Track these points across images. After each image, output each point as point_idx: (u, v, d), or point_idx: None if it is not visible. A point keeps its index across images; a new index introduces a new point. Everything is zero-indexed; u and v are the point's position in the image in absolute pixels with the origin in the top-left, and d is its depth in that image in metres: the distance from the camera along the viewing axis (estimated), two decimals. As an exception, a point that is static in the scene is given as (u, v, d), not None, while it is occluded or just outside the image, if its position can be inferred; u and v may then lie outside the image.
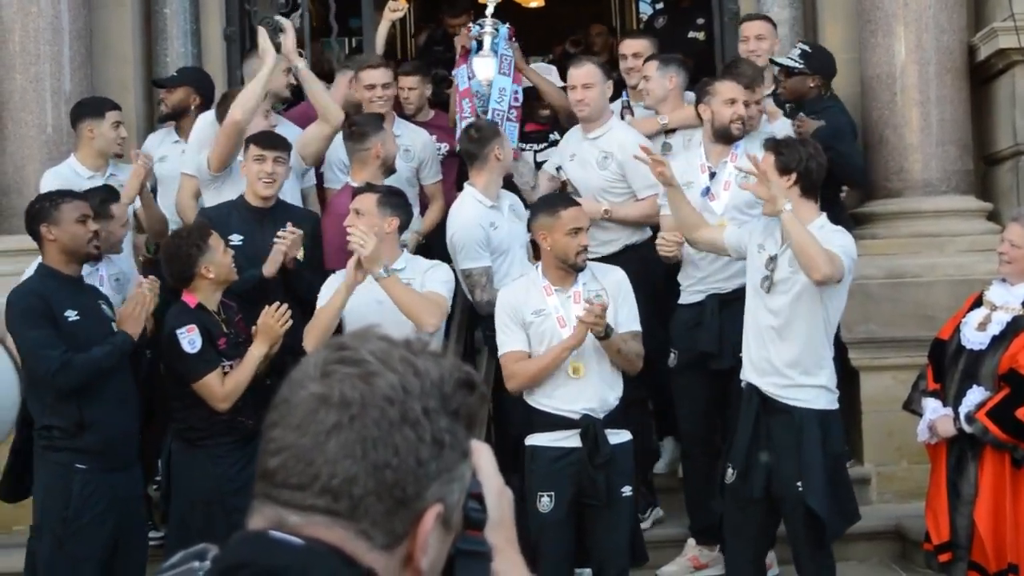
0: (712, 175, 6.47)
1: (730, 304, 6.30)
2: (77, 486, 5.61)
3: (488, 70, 7.47)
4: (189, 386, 5.80)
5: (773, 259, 5.75)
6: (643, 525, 6.79)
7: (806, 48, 7.41)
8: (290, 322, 5.84)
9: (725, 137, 6.44)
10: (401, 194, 6.23)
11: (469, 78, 7.51)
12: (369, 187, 6.20)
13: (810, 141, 5.97)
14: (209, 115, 6.96)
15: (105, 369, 5.65)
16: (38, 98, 7.74)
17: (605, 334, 5.68)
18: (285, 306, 5.86)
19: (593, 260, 6.60)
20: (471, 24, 7.72)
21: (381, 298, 5.90)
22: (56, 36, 7.79)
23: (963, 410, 5.70)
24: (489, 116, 7.43)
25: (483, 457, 1.65)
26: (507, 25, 7.63)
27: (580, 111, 6.99)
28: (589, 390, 5.82)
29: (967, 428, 5.67)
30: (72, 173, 6.76)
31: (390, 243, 5.99)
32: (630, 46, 7.63)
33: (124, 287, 6.41)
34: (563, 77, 7.49)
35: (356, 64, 7.58)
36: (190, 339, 5.74)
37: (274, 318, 5.81)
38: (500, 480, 1.68)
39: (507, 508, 1.69)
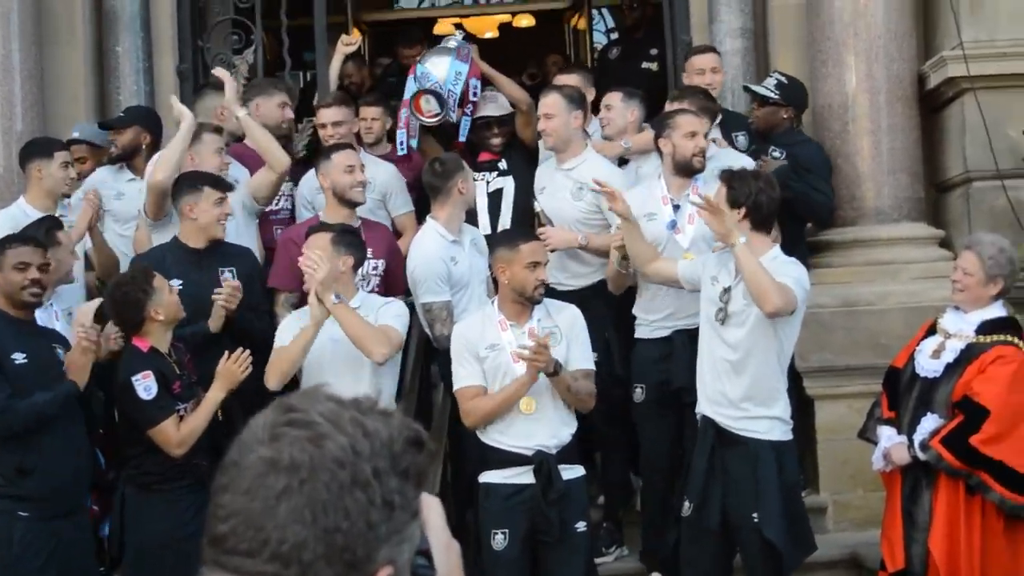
0: (676, 207, 6.49)
1: (697, 339, 6.34)
2: (19, 533, 5.55)
3: (443, 64, 7.61)
4: (144, 432, 5.75)
5: (727, 291, 5.76)
6: (607, 560, 6.80)
7: (782, 79, 7.46)
8: (251, 368, 5.81)
9: (686, 170, 6.44)
10: (356, 232, 6.24)
11: (415, 79, 7.62)
12: (323, 226, 6.20)
13: (763, 174, 5.97)
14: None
15: (47, 416, 5.60)
16: (-11, 138, 7.69)
17: (553, 371, 5.69)
18: (247, 353, 5.83)
19: (568, 292, 6.65)
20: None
21: (336, 336, 5.90)
22: (7, 76, 7.75)
23: (917, 438, 5.72)
24: (445, 96, 7.52)
25: (431, 512, 1.64)
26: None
27: (545, 141, 7.04)
28: (542, 426, 5.82)
29: (921, 456, 5.69)
30: (22, 214, 6.71)
31: (346, 281, 5.99)
32: (564, 80, 7.63)
33: None
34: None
35: (255, 92, 7.55)
36: (146, 386, 5.69)
37: (236, 364, 5.79)
38: (448, 534, 1.68)
39: (455, 562, 1.69)
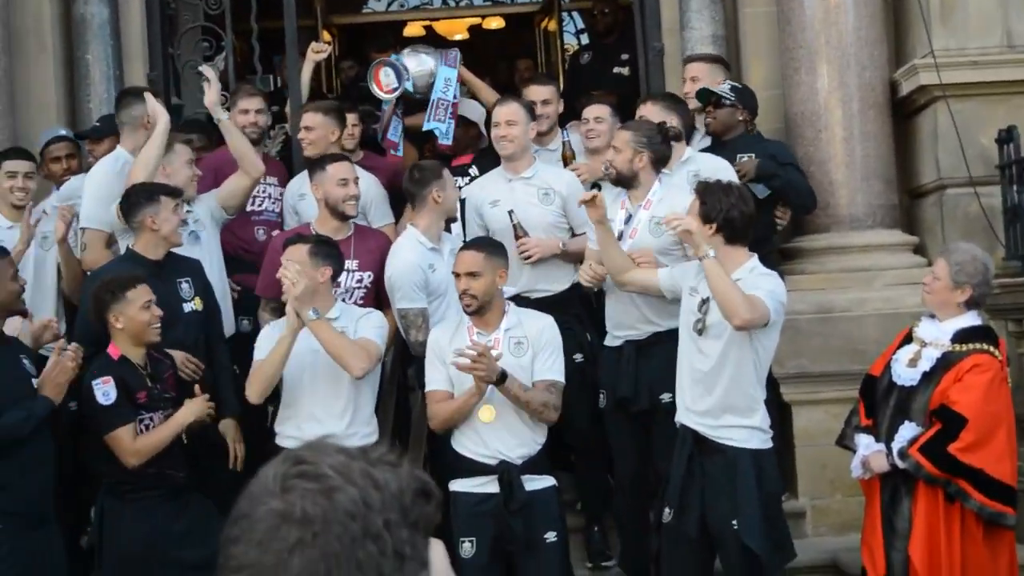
0: (628, 218, 6.51)
1: (646, 349, 6.38)
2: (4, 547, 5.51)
3: (422, 61, 7.80)
4: (102, 438, 5.73)
5: (705, 302, 5.77)
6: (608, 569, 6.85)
7: (735, 84, 7.51)
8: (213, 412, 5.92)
9: (617, 183, 6.50)
10: (333, 243, 6.22)
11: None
12: (300, 238, 6.18)
13: (735, 189, 5.94)
14: (105, 165, 6.87)
15: (19, 436, 5.55)
16: (-41, 149, 7.61)
17: (498, 380, 5.70)
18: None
19: (545, 298, 6.69)
20: None
21: (316, 347, 5.90)
22: (-24, 87, 7.71)
23: (896, 446, 5.74)
24: (432, 106, 7.62)
25: (436, 554, 1.65)
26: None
27: (504, 148, 6.99)
28: (506, 435, 5.86)
29: (900, 464, 5.71)
30: None
31: (324, 292, 5.97)
32: (537, 92, 7.62)
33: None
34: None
35: (234, 101, 7.57)
36: (104, 391, 5.69)
37: (207, 405, 5.86)
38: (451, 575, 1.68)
39: None
